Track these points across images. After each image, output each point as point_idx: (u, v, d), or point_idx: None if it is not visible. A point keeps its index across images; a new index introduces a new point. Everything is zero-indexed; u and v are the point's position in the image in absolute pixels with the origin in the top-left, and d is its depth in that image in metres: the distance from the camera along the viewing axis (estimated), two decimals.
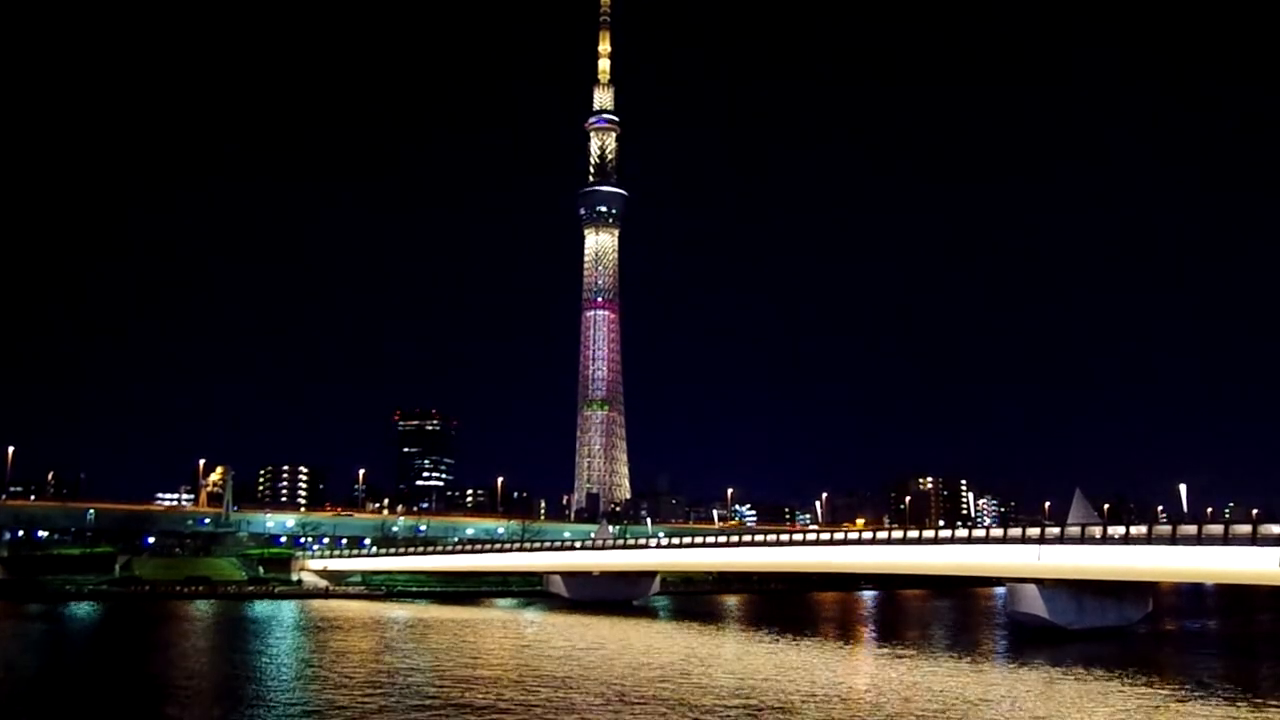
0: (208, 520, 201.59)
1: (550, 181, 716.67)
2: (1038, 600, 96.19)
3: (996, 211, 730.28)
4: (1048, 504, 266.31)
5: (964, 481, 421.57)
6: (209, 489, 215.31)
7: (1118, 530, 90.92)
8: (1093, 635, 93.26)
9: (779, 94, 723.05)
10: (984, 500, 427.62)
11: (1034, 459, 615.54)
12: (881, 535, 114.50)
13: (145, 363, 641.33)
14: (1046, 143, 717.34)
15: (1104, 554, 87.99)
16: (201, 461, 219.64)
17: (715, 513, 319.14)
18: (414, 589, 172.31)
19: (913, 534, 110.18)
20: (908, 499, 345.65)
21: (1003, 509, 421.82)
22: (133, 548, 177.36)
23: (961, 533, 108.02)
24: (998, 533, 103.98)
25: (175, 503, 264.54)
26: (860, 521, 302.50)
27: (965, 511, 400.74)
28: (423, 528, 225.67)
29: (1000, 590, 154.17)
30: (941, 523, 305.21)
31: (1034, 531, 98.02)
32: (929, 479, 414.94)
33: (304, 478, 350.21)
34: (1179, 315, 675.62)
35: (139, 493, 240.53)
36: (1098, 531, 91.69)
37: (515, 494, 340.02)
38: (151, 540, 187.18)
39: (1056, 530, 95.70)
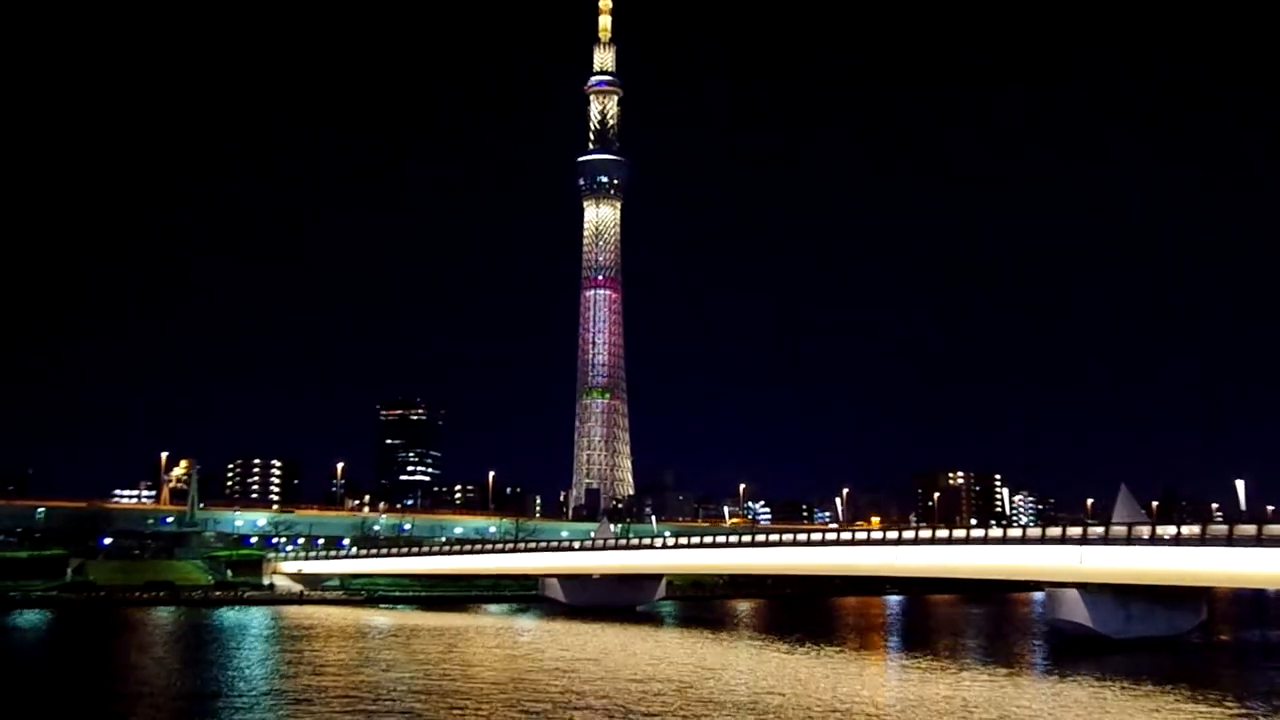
0: (170, 519, 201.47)
1: (548, 155, 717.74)
2: (1080, 606, 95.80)
3: (1031, 201, 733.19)
4: (1090, 501, 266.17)
5: (998, 477, 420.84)
6: (172, 485, 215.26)
7: (1168, 530, 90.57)
8: (1140, 645, 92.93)
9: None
10: (1020, 497, 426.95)
11: (1075, 453, 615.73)
12: (908, 535, 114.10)
13: (103, 352, 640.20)
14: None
15: (1153, 556, 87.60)
16: (164, 455, 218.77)
17: (726, 510, 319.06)
18: (397, 593, 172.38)
19: (942, 533, 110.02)
20: (936, 495, 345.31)
21: (1041, 507, 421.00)
22: (87, 550, 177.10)
23: (996, 532, 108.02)
24: (1035, 532, 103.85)
25: (135, 500, 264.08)
26: (876, 520, 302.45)
27: (1000, 509, 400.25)
28: (407, 526, 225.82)
29: (1039, 595, 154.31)
30: (974, 521, 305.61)
31: (1075, 531, 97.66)
32: (959, 474, 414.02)
33: (277, 472, 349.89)
34: (1235, 307, 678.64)
35: (95, 490, 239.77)
36: (1146, 531, 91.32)
37: (508, 490, 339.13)
38: (108, 541, 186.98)
39: (1100, 530, 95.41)
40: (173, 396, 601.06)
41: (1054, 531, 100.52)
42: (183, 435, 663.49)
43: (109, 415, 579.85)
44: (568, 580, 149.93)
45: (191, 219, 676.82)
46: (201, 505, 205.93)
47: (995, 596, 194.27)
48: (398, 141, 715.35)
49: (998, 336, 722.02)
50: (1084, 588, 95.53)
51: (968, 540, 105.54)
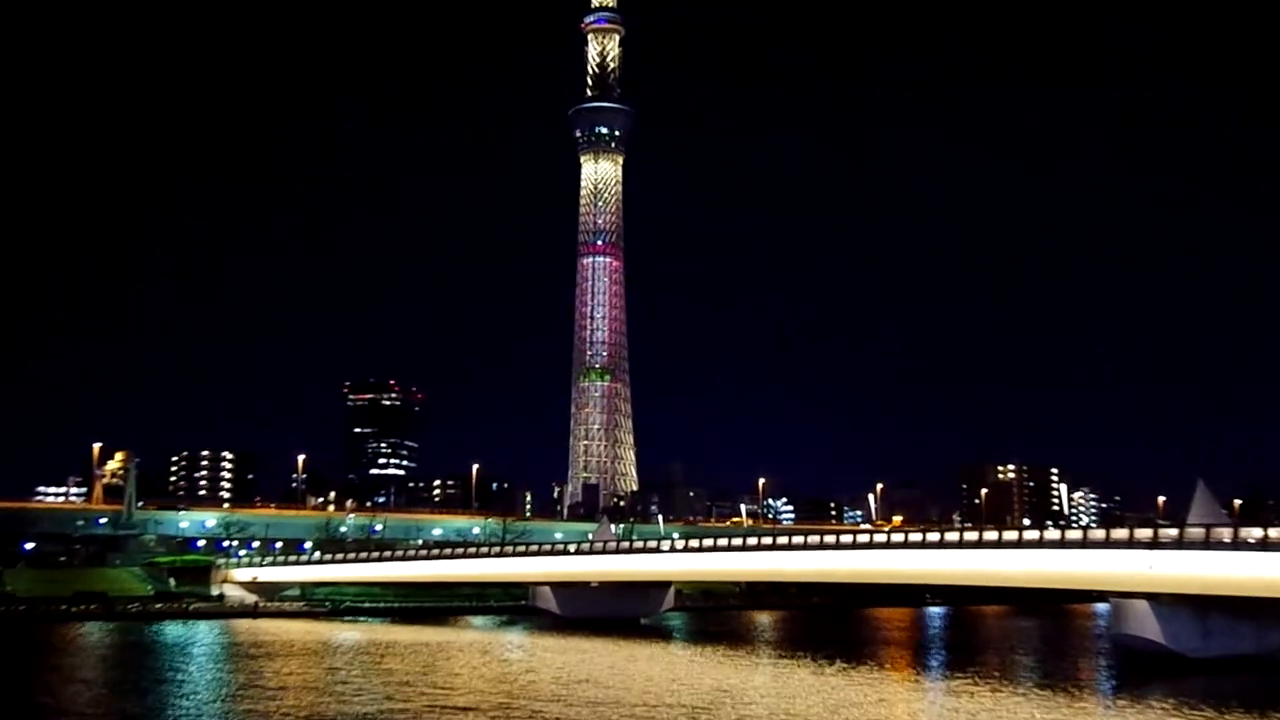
0: (104, 520, 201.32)
1: (540, 104, 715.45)
2: (1150, 620, 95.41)
3: (1090, 174, 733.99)
4: (1162, 500, 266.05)
5: (1055, 471, 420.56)
6: (106, 481, 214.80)
7: (1253, 532, 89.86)
8: (1222, 665, 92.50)
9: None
10: (1080, 494, 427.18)
11: (1143, 444, 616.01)
12: (951, 536, 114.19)
13: (28, 333, 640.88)
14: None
15: (1236, 562, 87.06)
16: (97, 446, 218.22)
17: (743, 508, 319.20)
18: (367, 604, 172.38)
19: (990, 535, 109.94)
20: (984, 492, 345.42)
21: (1104, 505, 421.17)
22: (5, 556, 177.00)
23: (1052, 534, 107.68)
24: (1099, 534, 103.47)
25: (62, 499, 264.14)
26: (897, 519, 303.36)
27: (1057, 508, 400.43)
28: (378, 528, 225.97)
29: (1102, 607, 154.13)
30: (1027, 522, 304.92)
31: (1145, 533, 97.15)
32: (1010, 468, 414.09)
33: (228, 466, 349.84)
34: None
35: (15, 487, 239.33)
36: (1227, 534, 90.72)
37: (494, 485, 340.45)
38: (30, 546, 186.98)
39: (1174, 532, 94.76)
40: (107, 381, 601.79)
41: (1120, 533, 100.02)
42: (119, 424, 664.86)
43: (33, 402, 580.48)
44: (562, 589, 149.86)
45: (121, 194, 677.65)
46: (140, 504, 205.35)
47: (1051, 608, 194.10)
48: (363, 89, 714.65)
49: (1055, 313, 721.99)
50: (1155, 598, 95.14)
51: (1020, 543, 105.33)
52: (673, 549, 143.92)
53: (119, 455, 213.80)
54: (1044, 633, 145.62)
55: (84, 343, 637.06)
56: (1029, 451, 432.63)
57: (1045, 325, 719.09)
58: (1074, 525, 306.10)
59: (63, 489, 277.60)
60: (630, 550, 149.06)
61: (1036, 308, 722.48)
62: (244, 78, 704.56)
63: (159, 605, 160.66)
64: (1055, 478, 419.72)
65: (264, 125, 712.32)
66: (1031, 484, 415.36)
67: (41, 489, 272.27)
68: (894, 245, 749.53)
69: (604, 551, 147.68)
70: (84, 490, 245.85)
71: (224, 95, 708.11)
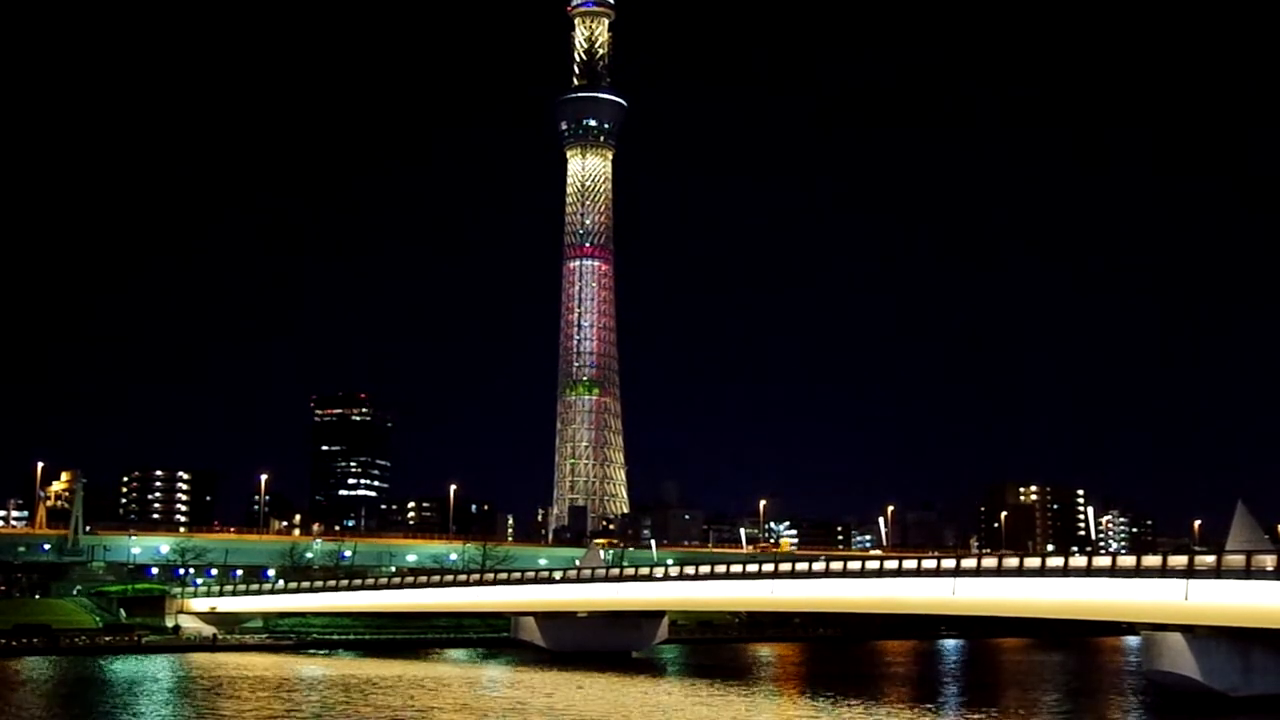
0: (48, 546, 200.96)
1: (524, 93, 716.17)
2: (1186, 655, 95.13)
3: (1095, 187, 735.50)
4: (1198, 523, 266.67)
5: (1080, 492, 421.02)
6: (50, 503, 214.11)
7: None
8: (1264, 704, 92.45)
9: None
10: (1109, 518, 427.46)
11: (1177, 463, 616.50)
12: (968, 563, 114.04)
13: None
14: None
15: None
16: (40, 465, 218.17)
17: (742, 532, 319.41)
18: (335, 636, 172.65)
19: (1011, 561, 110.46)
20: (1003, 515, 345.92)
21: (1135, 530, 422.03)
22: None
23: (1078, 561, 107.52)
24: (1129, 561, 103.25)
25: (1, 523, 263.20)
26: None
27: (1083, 532, 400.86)
28: (347, 554, 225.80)
29: (1133, 640, 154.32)
30: (1050, 547, 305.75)
31: (1179, 560, 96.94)
32: (1032, 488, 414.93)
33: (184, 486, 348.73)
34: None
35: None
36: (1270, 561, 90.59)
37: (473, 508, 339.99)
38: None
39: (1211, 559, 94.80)
40: (51, 394, 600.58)
41: (1152, 560, 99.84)
42: (64, 441, 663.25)
43: None
44: (547, 619, 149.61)
45: (66, 196, 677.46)
46: (88, 528, 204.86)
47: (1077, 641, 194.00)
48: (325, 80, 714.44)
49: (1080, 322, 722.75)
50: (1191, 631, 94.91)
51: (1043, 570, 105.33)
52: (666, 576, 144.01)
53: (64, 475, 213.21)
54: (1069, 668, 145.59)
55: (26, 351, 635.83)
56: (1053, 471, 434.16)
57: (1069, 335, 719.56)
58: (1102, 551, 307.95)
59: (2, 512, 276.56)
60: (621, 578, 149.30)
61: (1059, 316, 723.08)
62: (211, 76, 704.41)
63: (108, 638, 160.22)
64: (1081, 499, 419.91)
65: (223, 124, 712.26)
66: (1055, 506, 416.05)
67: None
68: (910, 250, 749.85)
69: (592, 579, 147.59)
70: (25, 514, 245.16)
71: (193, 100, 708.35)
